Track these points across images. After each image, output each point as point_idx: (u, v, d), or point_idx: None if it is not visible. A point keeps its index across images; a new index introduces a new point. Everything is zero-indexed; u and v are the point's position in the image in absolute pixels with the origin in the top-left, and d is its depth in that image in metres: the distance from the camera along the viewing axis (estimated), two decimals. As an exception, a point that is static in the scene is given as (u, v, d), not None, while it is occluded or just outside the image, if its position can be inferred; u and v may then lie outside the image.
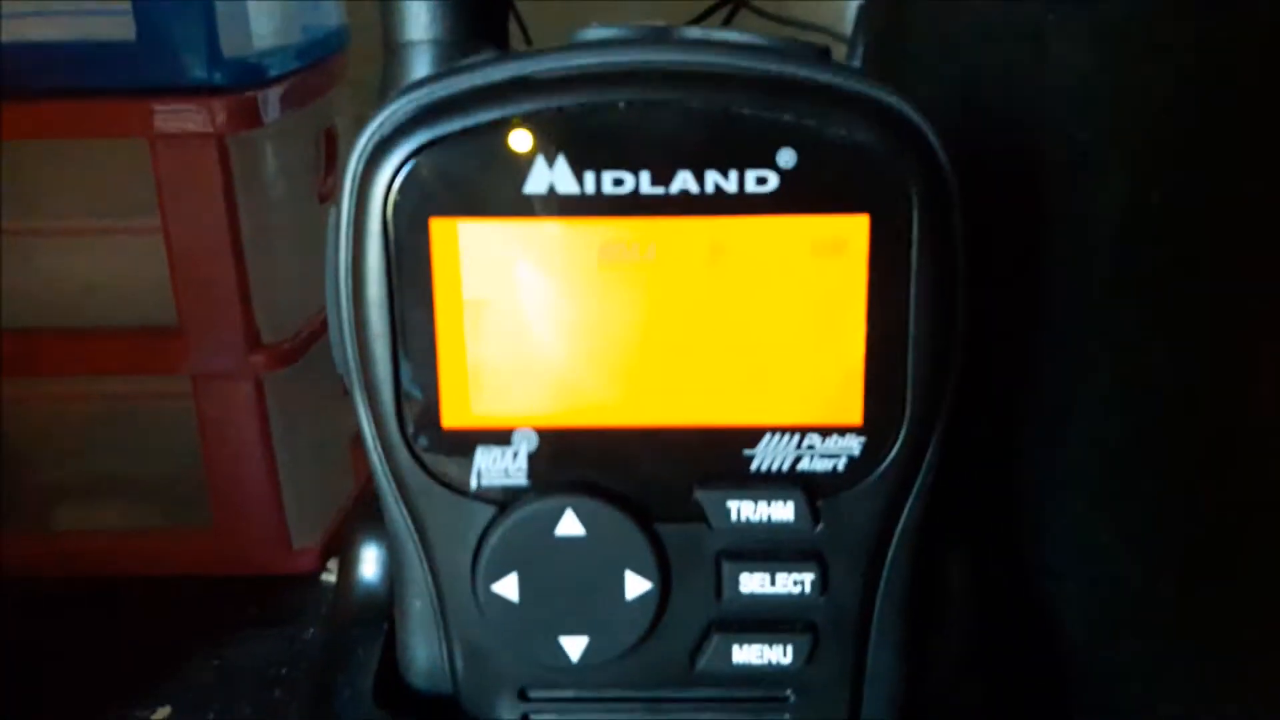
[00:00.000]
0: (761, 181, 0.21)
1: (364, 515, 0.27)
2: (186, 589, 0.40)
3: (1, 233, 0.41)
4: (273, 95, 0.39)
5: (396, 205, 0.22)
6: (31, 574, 0.40)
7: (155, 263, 0.39)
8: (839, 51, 0.45)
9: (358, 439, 0.48)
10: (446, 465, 0.23)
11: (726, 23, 0.55)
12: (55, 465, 0.44)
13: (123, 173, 0.40)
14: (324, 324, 0.42)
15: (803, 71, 0.22)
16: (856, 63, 0.41)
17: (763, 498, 0.23)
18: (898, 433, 0.22)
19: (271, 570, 0.41)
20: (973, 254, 0.22)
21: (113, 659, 0.37)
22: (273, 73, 0.39)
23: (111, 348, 0.40)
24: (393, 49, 0.24)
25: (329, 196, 0.44)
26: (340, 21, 0.47)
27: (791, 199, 0.21)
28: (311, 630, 0.38)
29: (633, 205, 0.21)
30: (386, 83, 0.25)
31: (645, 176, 0.21)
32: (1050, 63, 0.27)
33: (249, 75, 0.38)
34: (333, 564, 0.42)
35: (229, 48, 0.38)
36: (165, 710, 0.35)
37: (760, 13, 0.54)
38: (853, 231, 0.21)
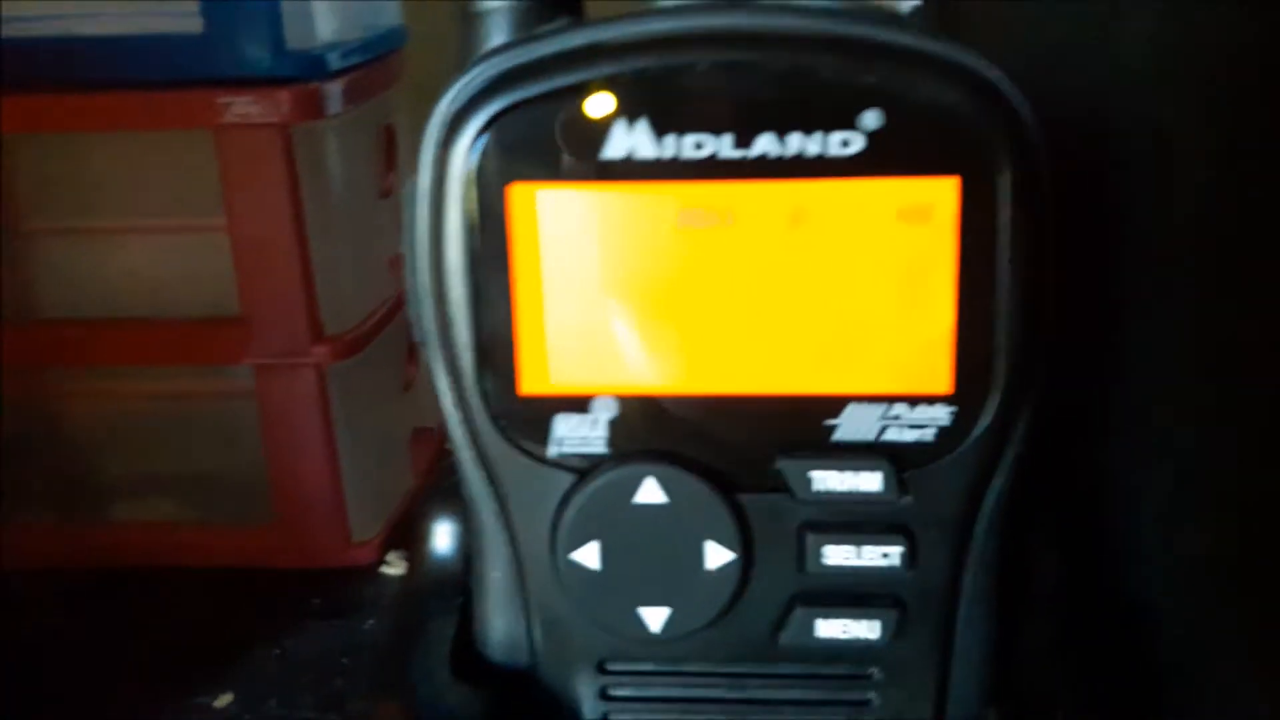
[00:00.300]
0: (845, 144, 0.21)
1: (437, 490, 0.27)
2: (248, 581, 0.40)
3: (67, 231, 0.41)
4: (335, 88, 0.39)
5: (476, 172, 0.21)
6: (98, 564, 0.40)
7: (219, 259, 0.39)
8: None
9: (417, 434, 0.48)
10: (526, 432, 0.23)
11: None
12: (119, 461, 0.45)
13: (185, 170, 0.41)
14: (385, 317, 0.43)
15: (885, 33, 0.21)
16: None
17: (847, 468, 0.22)
18: (989, 402, 0.22)
19: (332, 563, 0.41)
20: (1064, 216, 0.21)
21: (176, 647, 0.37)
22: (335, 66, 0.40)
23: (175, 336, 0.40)
24: (468, 18, 0.24)
25: (390, 192, 0.44)
26: (398, 21, 0.47)
27: (877, 161, 0.21)
28: (371, 622, 0.38)
29: (713, 169, 0.21)
30: (463, 52, 0.24)
31: (727, 140, 0.21)
32: (1120, 37, 0.27)
33: (312, 68, 0.39)
34: (392, 557, 0.42)
35: (293, 40, 0.38)
36: (228, 697, 0.35)
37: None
38: (942, 194, 0.21)
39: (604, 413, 0.22)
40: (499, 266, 0.22)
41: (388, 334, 0.43)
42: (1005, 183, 0.21)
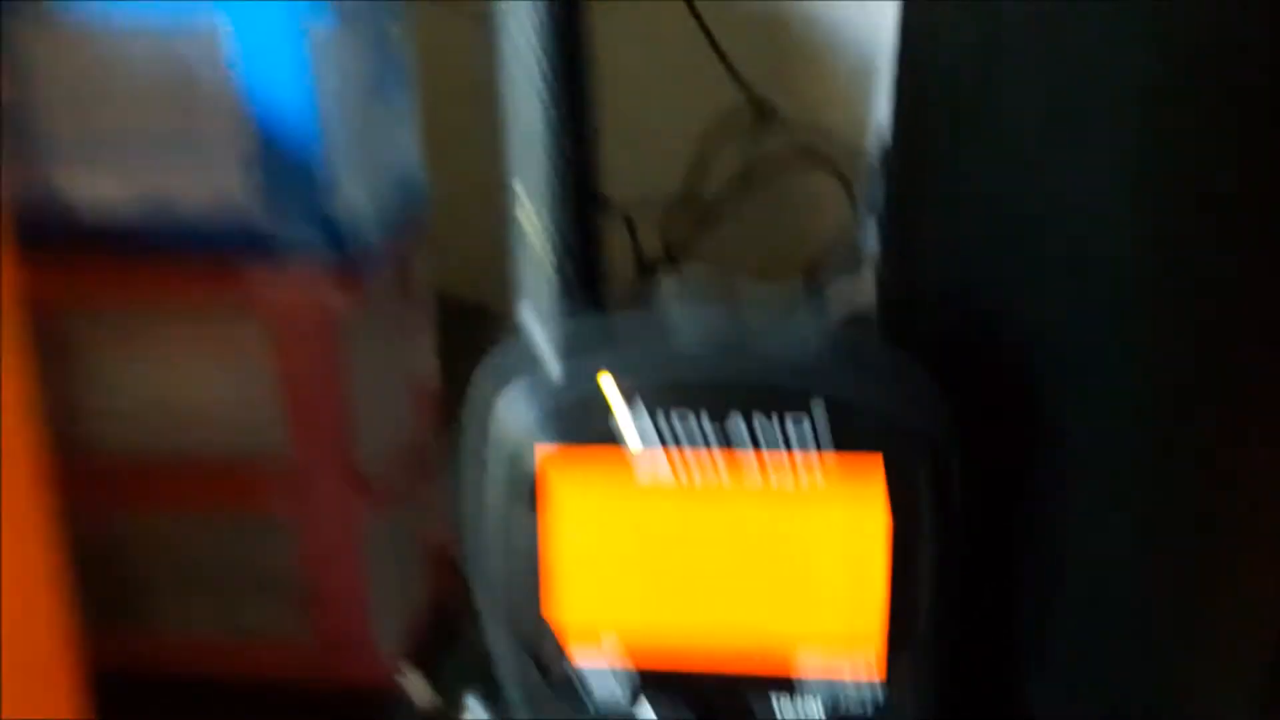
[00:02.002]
0: (798, 423, 0.26)
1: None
2: (274, 696, 0.42)
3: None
4: (373, 258, 0.42)
5: (506, 432, 0.27)
6: (125, 671, 0.39)
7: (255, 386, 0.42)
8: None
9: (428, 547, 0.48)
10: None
11: (753, 131, 0.59)
12: (156, 563, 0.45)
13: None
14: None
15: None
16: (877, 206, 0.44)
17: None
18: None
19: (362, 681, 0.43)
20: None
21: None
22: (371, 238, 0.42)
23: (213, 480, 0.43)
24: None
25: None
26: (422, 190, 0.48)
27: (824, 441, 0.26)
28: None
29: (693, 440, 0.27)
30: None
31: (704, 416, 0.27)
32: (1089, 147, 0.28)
33: (353, 242, 0.41)
34: (408, 670, 0.43)
35: (334, 212, 0.40)
36: None
37: (786, 125, 0.58)
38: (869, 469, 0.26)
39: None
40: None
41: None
42: (923, 471, 0.26)
